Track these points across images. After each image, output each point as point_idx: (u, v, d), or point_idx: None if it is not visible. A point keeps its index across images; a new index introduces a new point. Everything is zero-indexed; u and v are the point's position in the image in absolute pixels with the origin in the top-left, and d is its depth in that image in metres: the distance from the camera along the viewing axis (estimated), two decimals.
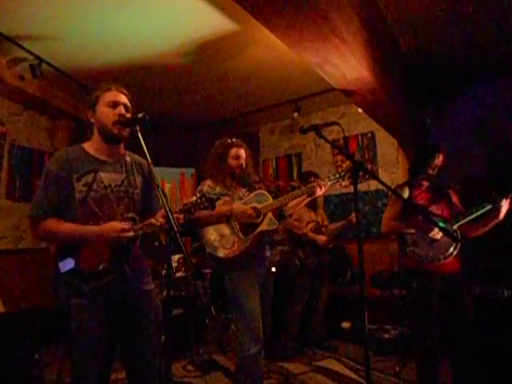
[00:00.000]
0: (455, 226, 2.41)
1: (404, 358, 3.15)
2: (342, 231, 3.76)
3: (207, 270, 3.91)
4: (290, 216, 3.75)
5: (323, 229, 3.83)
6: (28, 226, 4.39)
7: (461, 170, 3.90)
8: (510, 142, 3.81)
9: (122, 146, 1.77)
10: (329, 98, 4.75)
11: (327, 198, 5.04)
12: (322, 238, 3.69)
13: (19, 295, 3.92)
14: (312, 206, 3.82)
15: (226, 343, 3.77)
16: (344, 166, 5.07)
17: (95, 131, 1.72)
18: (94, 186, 1.62)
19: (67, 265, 1.56)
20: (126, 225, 1.59)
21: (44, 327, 3.32)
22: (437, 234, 2.37)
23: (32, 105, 4.34)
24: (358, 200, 1.65)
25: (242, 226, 2.31)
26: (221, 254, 2.26)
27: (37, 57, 3.61)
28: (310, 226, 3.77)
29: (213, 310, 1.42)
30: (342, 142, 4.93)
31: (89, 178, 1.63)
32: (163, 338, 1.75)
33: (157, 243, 1.69)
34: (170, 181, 5.45)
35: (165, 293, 3.35)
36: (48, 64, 3.73)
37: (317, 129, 1.73)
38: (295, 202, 2.45)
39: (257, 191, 2.42)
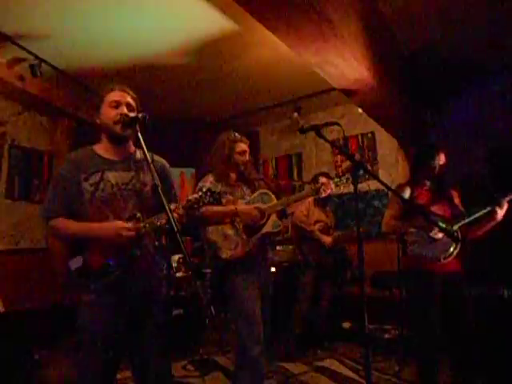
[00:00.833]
0: (456, 227, 2.40)
1: (404, 358, 3.16)
2: (345, 240, 3.82)
3: (207, 270, 3.90)
4: (292, 215, 3.77)
5: (331, 230, 3.84)
6: (28, 225, 4.40)
7: (461, 169, 3.90)
8: (510, 141, 3.81)
9: (130, 144, 1.77)
10: (329, 98, 4.75)
11: (327, 199, 5.02)
12: (327, 239, 3.69)
13: (19, 295, 3.92)
14: (323, 205, 3.83)
15: (225, 343, 3.77)
16: (344, 165, 5.07)
17: (102, 132, 1.74)
18: (101, 186, 1.64)
19: (76, 263, 1.59)
20: (129, 224, 1.58)
21: (44, 327, 3.32)
22: (438, 232, 2.36)
23: (32, 105, 4.34)
24: (358, 200, 1.65)
25: (245, 227, 2.29)
26: (224, 255, 2.25)
27: (37, 57, 3.60)
28: (318, 225, 3.77)
29: (213, 309, 1.41)
30: (342, 142, 4.93)
31: (96, 177, 1.65)
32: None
33: (157, 243, 1.69)
34: None
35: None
36: (48, 64, 3.73)
37: (317, 129, 1.73)
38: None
39: (261, 190, 2.41)
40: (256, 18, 2.14)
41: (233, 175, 2.40)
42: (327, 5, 2.21)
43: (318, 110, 5.23)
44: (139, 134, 1.57)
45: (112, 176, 1.67)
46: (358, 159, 4.85)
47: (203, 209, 1.97)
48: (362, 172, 4.24)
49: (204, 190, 1.63)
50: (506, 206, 2.40)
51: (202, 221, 2.28)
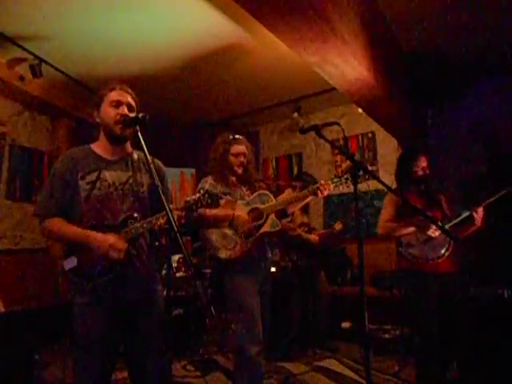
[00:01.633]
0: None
1: (404, 357, 3.16)
2: (326, 239, 3.84)
3: (207, 270, 3.90)
4: (292, 215, 3.77)
5: (314, 232, 3.89)
6: (28, 226, 4.39)
7: (461, 169, 3.91)
8: (510, 141, 3.81)
9: (128, 144, 1.77)
10: (329, 98, 4.75)
11: (327, 199, 5.03)
12: (314, 238, 3.75)
13: (19, 295, 3.92)
14: (304, 209, 3.85)
15: (225, 343, 3.77)
16: (344, 165, 5.06)
17: (101, 131, 1.73)
18: (98, 185, 1.63)
19: (70, 263, 1.58)
20: (121, 243, 1.54)
21: (44, 327, 3.32)
22: (435, 231, 2.36)
23: (32, 105, 4.34)
24: (357, 200, 1.65)
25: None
26: (223, 254, 2.25)
27: (37, 57, 3.60)
28: (302, 228, 3.82)
29: (213, 309, 1.40)
30: (342, 142, 4.93)
31: (93, 176, 1.64)
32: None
33: (157, 243, 1.69)
34: (170, 181, 5.43)
35: (165, 293, 3.35)
36: (48, 64, 3.73)
37: (317, 129, 1.74)
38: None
39: (260, 191, 2.41)
40: (256, 18, 2.14)
41: (230, 177, 2.41)
42: (327, 5, 2.21)
43: (318, 110, 5.23)
44: (139, 134, 1.57)
45: (109, 175, 1.66)
46: (357, 159, 4.85)
47: (201, 210, 1.98)
48: (361, 172, 4.22)
49: (202, 191, 1.63)
50: (481, 213, 2.41)
51: (199, 222, 2.28)
